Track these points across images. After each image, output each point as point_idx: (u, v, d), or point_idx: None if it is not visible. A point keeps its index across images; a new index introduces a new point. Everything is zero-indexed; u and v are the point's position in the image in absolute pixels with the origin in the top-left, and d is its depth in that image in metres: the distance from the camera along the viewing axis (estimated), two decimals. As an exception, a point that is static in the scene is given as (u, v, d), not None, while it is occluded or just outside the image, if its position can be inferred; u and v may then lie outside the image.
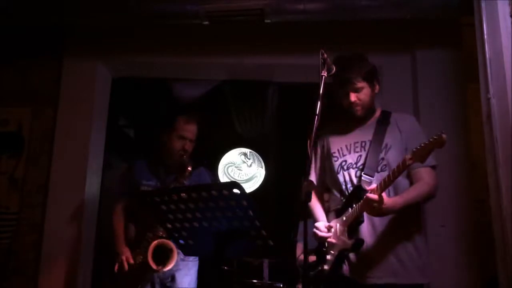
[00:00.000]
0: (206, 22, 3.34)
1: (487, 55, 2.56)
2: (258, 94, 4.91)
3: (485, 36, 2.58)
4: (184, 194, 1.69)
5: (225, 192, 1.61)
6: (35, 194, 3.64)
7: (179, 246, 1.96)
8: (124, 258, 2.80)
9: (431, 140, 1.84)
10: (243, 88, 4.72)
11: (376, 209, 1.99)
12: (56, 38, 3.84)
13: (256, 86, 4.60)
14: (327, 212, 2.38)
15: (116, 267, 2.82)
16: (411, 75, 3.54)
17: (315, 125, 1.89)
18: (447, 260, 3.07)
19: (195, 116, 3.07)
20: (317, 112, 1.92)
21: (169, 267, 2.77)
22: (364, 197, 2.01)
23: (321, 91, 1.98)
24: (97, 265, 3.80)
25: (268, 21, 3.30)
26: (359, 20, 3.36)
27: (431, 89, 3.43)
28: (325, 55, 2.02)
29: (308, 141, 1.87)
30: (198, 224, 1.75)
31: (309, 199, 1.79)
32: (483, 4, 2.63)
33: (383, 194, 1.99)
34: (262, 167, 5.32)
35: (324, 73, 2.01)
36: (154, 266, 2.76)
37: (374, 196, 1.96)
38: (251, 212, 1.64)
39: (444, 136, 1.79)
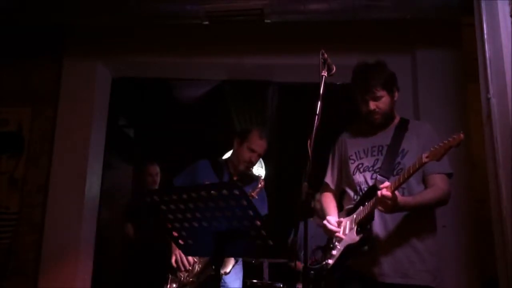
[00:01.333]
0: (206, 22, 3.34)
1: (487, 55, 2.56)
2: (258, 94, 4.91)
3: (485, 36, 2.58)
4: (184, 194, 1.69)
5: (224, 192, 1.61)
6: (35, 194, 3.64)
7: (179, 246, 1.95)
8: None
9: (449, 139, 1.85)
10: (243, 88, 4.72)
11: (389, 205, 1.99)
12: (56, 38, 3.84)
13: (256, 86, 4.60)
14: (339, 211, 2.38)
15: (173, 260, 2.78)
16: (411, 75, 3.53)
17: (315, 125, 1.89)
18: (447, 260, 3.06)
19: (267, 133, 3.11)
20: (317, 112, 1.92)
21: (228, 269, 2.77)
22: (378, 193, 2.01)
23: (321, 91, 1.98)
24: (97, 265, 3.80)
25: (268, 21, 3.30)
26: (359, 20, 3.36)
27: (431, 89, 3.43)
28: (325, 55, 2.02)
29: (308, 141, 1.87)
30: (198, 224, 1.75)
31: (310, 200, 1.79)
32: (483, 4, 2.63)
33: (396, 193, 1.99)
34: (262, 167, 5.31)
35: (324, 73, 2.01)
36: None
37: (387, 193, 1.96)
38: (250, 212, 1.63)
39: (462, 135, 1.81)
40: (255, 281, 3.41)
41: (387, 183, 2.02)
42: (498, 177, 2.39)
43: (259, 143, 2.95)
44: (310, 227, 1.89)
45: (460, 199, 3.16)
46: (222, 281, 2.88)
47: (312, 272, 2.58)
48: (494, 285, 2.52)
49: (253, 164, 2.98)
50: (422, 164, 1.93)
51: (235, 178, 3.01)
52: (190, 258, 2.79)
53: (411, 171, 1.95)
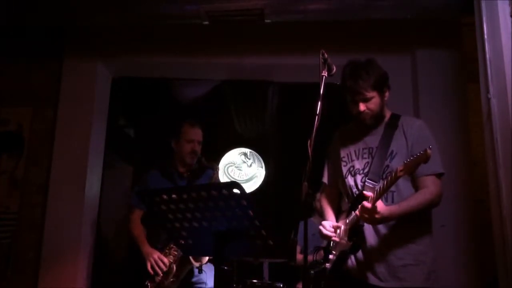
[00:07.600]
0: (206, 22, 3.34)
1: (487, 55, 2.55)
2: (258, 94, 4.91)
3: (485, 36, 2.58)
4: (184, 194, 1.69)
5: (224, 192, 1.61)
6: (35, 194, 3.64)
7: (179, 246, 1.96)
8: (156, 257, 2.83)
9: (418, 154, 1.85)
10: (243, 88, 4.71)
11: (369, 218, 1.99)
12: (57, 38, 3.84)
13: (256, 86, 4.60)
14: (340, 212, 2.38)
15: (149, 267, 2.83)
16: (411, 75, 3.54)
17: (315, 125, 1.89)
18: (447, 260, 3.06)
19: (198, 120, 3.24)
20: (318, 112, 1.92)
21: (205, 260, 2.85)
22: (359, 205, 2.01)
23: (321, 91, 1.98)
24: (97, 265, 3.80)
25: (268, 21, 3.30)
26: (359, 20, 3.36)
27: (431, 89, 3.43)
28: (325, 55, 2.01)
29: (309, 141, 1.87)
30: (198, 224, 1.75)
31: (310, 200, 1.79)
32: (483, 4, 2.63)
33: (380, 203, 1.99)
34: (262, 167, 5.30)
35: (324, 73, 2.01)
36: (195, 263, 2.83)
37: (368, 205, 1.96)
38: (250, 212, 1.63)
39: (429, 151, 1.80)
40: (255, 281, 3.40)
41: (370, 194, 2.01)
42: (498, 177, 2.39)
43: (193, 131, 3.12)
44: (310, 227, 1.89)
45: (459, 199, 3.16)
46: (198, 278, 2.95)
47: (312, 272, 2.59)
48: (494, 285, 2.52)
49: (196, 153, 3.09)
50: (397, 178, 1.92)
51: (185, 175, 3.09)
52: (165, 259, 2.82)
53: (389, 184, 1.95)
